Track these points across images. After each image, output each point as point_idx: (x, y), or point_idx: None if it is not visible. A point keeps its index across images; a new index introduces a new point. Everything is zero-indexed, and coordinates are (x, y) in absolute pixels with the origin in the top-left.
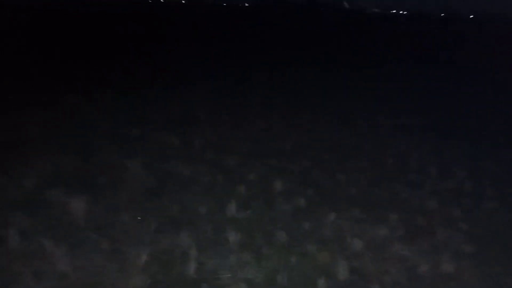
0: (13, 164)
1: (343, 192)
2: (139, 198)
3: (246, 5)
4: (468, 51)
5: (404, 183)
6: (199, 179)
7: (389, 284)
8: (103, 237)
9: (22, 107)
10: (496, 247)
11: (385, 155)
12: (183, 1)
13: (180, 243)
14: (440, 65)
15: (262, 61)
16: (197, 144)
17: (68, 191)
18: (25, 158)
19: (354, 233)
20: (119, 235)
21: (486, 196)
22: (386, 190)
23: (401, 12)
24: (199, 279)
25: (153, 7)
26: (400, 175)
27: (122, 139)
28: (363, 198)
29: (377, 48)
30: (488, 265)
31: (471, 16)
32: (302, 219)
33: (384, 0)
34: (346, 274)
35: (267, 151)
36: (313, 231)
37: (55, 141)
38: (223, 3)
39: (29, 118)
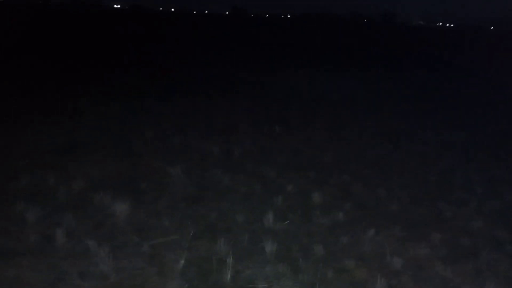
0: (64, 167)
1: (384, 208)
2: (179, 204)
3: (288, 16)
4: None
5: (448, 201)
6: (237, 188)
7: None
8: (144, 240)
9: (73, 113)
10: None
11: (429, 172)
12: (227, 13)
13: (217, 251)
14: (488, 80)
15: (304, 72)
16: (237, 153)
17: (113, 195)
18: (74, 162)
19: (394, 250)
20: (159, 239)
21: None
22: (429, 208)
23: (447, 24)
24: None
25: (198, 17)
26: (444, 193)
27: (165, 146)
28: (404, 216)
29: (423, 62)
30: None
31: None
32: (340, 234)
33: (430, 12)
34: None
35: (307, 163)
36: (351, 247)
37: (102, 146)
38: (266, 14)
39: (79, 125)
